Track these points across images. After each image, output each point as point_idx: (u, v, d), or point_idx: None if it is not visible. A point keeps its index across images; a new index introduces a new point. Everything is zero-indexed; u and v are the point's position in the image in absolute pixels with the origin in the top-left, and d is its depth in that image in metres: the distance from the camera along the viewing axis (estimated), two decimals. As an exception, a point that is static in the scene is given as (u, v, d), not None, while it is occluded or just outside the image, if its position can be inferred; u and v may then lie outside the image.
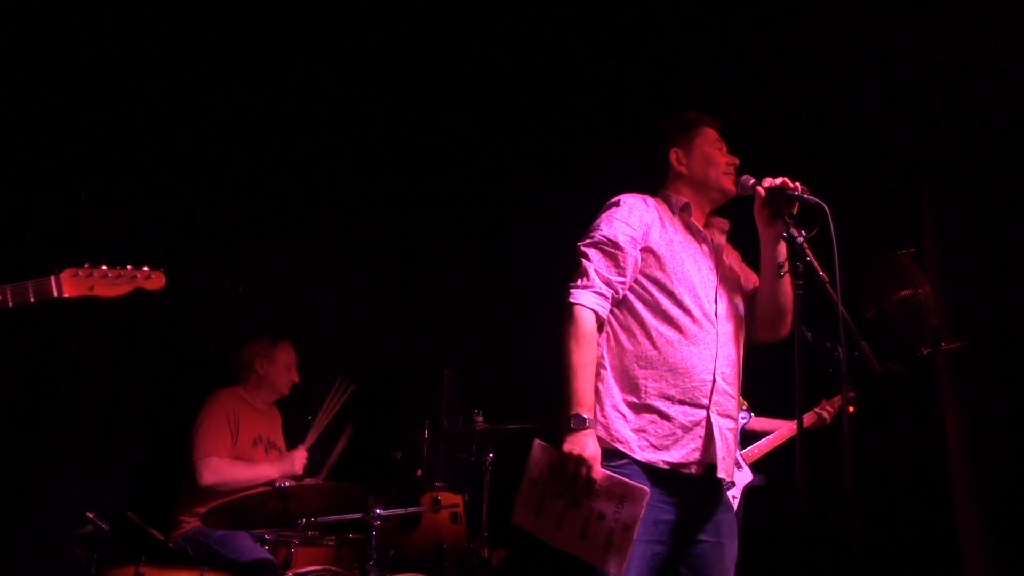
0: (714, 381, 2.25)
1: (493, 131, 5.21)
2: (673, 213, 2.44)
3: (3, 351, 3.34)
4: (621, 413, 2.20)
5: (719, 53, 4.28)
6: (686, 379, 2.23)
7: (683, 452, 2.20)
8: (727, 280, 2.42)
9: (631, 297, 2.30)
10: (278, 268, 4.53)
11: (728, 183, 2.46)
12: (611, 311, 2.28)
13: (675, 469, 2.18)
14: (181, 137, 4.10)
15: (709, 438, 2.22)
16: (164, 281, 2.57)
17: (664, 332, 2.25)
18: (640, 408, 2.21)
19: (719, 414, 2.25)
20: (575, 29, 4.33)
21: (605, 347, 2.27)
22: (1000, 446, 3.98)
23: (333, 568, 3.35)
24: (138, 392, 3.86)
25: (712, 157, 2.48)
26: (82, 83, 3.71)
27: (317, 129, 4.69)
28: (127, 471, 3.79)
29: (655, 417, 2.20)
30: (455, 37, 4.49)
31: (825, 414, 4.24)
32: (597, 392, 2.21)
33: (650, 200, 2.43)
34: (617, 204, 2.38)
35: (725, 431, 2.26)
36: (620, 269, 2.28)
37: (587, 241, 2.32)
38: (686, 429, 2.21)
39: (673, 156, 2.50)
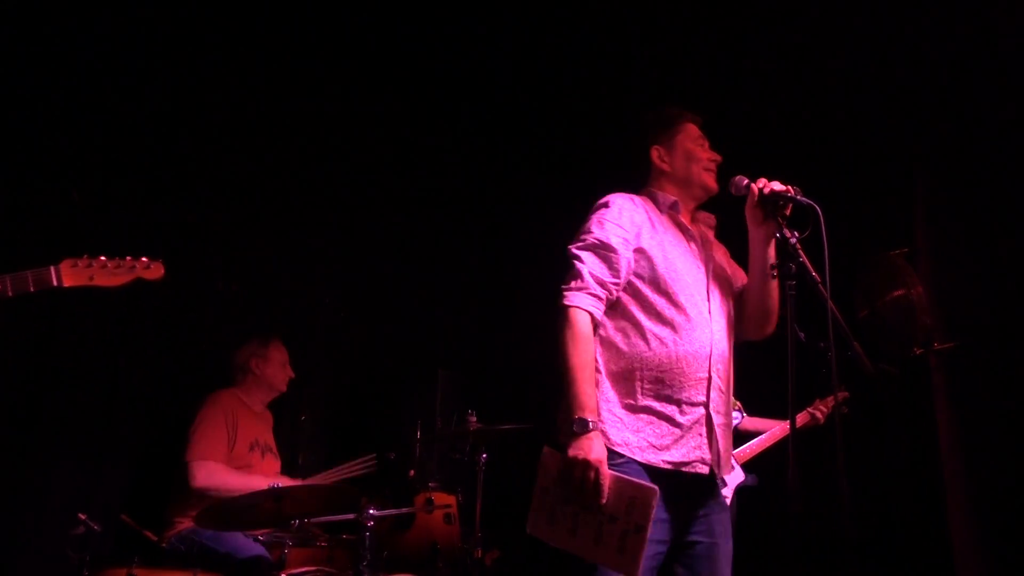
0: (710, 378, 2.25)
1: (489, 129, 5.20)
2: (660, 211, 2.43)
3: (-3, 351, 3.33)
4: (618, 417, 2.19)
5: (716, 53, 4.28)
6: (683, 378, 2.22)
7: (684, 451, 2.20)
8: (717, 277, 2.42)
9: (624, 298, 2.29)
10: (273, 268, 4.52)
11: (710, 180, 2.47)
12: (605, 314, 2.28)
13: (677, 468, 2.18)
14: (176, 136, 4.09)
15: (711, 436, 2.22)
16: (163, 271, 2.57)
17: (659, 332, 2.24)
18: (638, 409, 2.20)
19: (716, 411, 2.25)
20: (574, 28, 4.33)
21: (600, 350, 2.26)
22: (992, 446, 3.99)
23: (327, 569, 3.34)
24: (132, 392, 3.85)
25: (694, 153, 2.47)
26: (77, 81, 3.70)
27: (312, 129, 4.68)
28: (120, 472, 3.78)
29: (653, 418, 2.20)
30: (451, 36, 4.48)
31: (819, 414, 4.26)
32: None
33: (637, 199, 2.43)
34: (606, 205, 2.38)
35: (722, 428, 2.27)
36: (614, 270, 2.27)
37: (579, 244, 2.32)
38: (686, 428, 2.21)
39: (655, 153, 2.50)
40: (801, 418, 4.18)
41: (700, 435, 2.21)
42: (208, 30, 4.14)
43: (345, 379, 4.68)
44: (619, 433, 2.17)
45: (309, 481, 3.70)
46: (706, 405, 2.23)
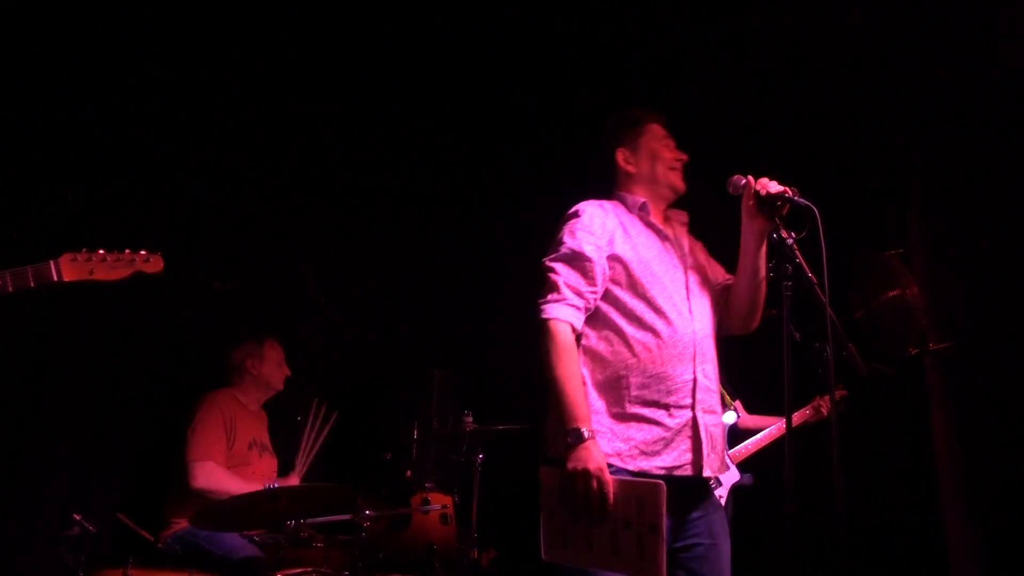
0: (695, 380, 2.24)
1: (484, 130, 5.21)
2: (631, 214, 2.42)
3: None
4: (607, 428, 2.18)
5: (713, 54, 4.29)
6: (669, 383, 2.22)
7: (674, 455, 2.19)
8: (695, 274, 2.41)
9: (604, 307, 2.28)
10: (268, 268, 4.51)
11: (676, 179, 2.46)
12: (586, 324, 2.27)
13: (669, 473, 2.17)
14: (172, 135, 4.08)
15: (697, 438, 2.21)
16: (163, 264, 2.56)
17: (641, 338, 2.23)
18: (627, 417, 2.19)
19: (704, 411, 2.24)
20: (574, 27, 4.33)
21: (584, 361, 2.25)
22: (987, 445, 4.01)
23: (322, 569, 3.34)
24: (127, 392, 3.84)
25: (659, 153, 2.46)
26: (73, 81, 3.68)
27: (310, 128, 4.67)
28: (115, 472, 3.77)
29: (642, 425, 2.19)
30: (451, 36, 4.48)
31: (823, 408, 4.24)
32: None
33: (607, 205, 2.42)
34: (576, 215, 2.36)
35: (711, 428, 2.26)
36: (589, 279, 2.27)
37: (553, 256, 2.31)
38: (676, 432, 2.20)
39: (620, 156, 2.49)
40: (801, 415, 4.18)
41: (688, 438, 2.20)
42: (206, 30, 4.13)
43: (341, 379, 4.67)
44: (610, 444, 2.16)
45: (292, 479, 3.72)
46: (693, 407, 2.22)
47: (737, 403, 4.42)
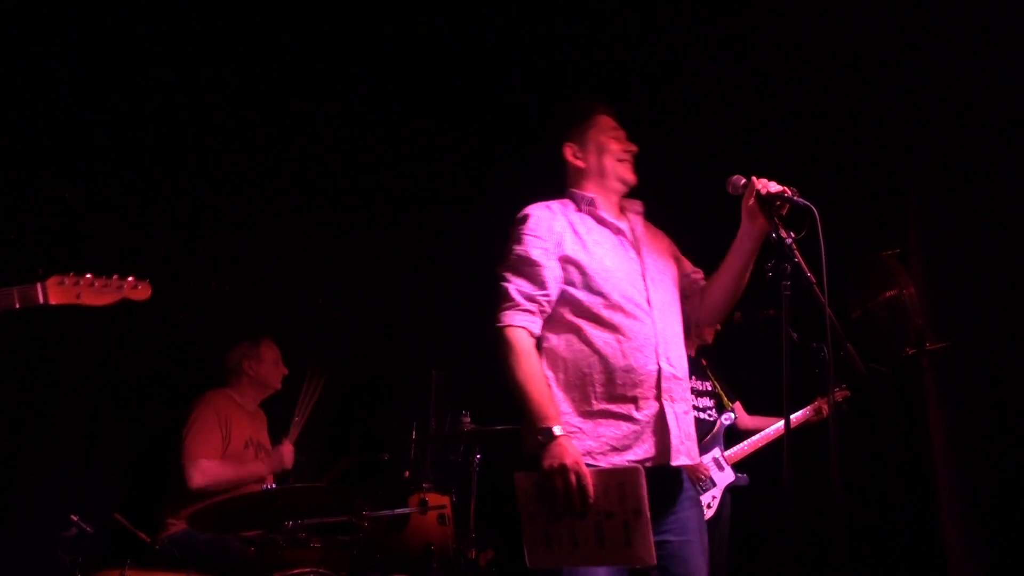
0: (660, 370, 2.23)
1: (483, 130, 5.20)
2: (581, 210, 2.40)
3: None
4: (576, 427, 2.18)
5: (711, 53, 4.29)
6: (633, 375, 2.20)
7: (645, 447, 2.18)
8: (654, 263, 2.39)
9: (561, 308, 2.28)
10: (264, 268, 4.51)
11: (625, 171, 2.44)
12: (546, 327, 2.28)
13: (641, 465, 2.14)
14: (168, 136, 4.08)
15: (665, 428, 2.19)
16: (150, 292, 2.58)
17: (601, 335, 2.23)
18: (595, 415, 2.19)
19: (672, 400, 2.23)
20: (574, 27, 4.33)
21: (547, 364, 2.25)
22: (984, 446, 4.01)
23: (321, 570, 3.32)
24: (123, 393, 3.84)
25: (606, 145, 2.44)
26: (71, 81, 3.68)
27: (306, 128, 4.67)
28: (112, 473, 3.77)
29: (611, 421, 2.18)
30: (450, 36, 4.48)
31: (824, 408, 4.23)
32: None
33: (554, 205, 2.40)
34: (524, 219, 2.36)
35: (680, 416, 2.24)
36: (540, 284, 2.27)
37: (503, 264, 2.32)
38: (644, 424, 2.19)
39: (568, 151, 2.47)
40: (803, 415, 4.18)
41: (659, 428, 2.19)
42: (205, 29, 4.13)
43: (339, 380, 4.66)
44: (581, 443, 2.14)
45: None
46: (659, 397, 2.21)
47: (737, 404, 4.41)
